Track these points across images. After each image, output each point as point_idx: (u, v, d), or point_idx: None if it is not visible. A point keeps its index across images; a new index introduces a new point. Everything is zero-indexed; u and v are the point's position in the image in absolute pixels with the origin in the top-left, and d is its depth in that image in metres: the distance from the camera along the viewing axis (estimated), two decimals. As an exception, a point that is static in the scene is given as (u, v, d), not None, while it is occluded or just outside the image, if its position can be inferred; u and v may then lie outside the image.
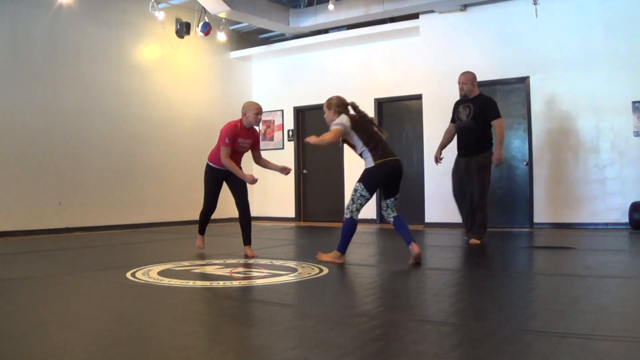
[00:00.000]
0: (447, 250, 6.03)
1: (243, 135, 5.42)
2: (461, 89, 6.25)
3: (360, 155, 4.89)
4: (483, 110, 6.06)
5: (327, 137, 4.79)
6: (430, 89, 8.95)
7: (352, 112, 5.00)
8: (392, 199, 4.96)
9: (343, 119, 4.85)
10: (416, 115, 9.45)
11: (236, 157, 5.46)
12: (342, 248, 4.88)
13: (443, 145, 6.51)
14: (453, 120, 6.40)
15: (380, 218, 9.79)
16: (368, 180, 4.79)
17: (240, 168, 5.49)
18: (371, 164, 4.78)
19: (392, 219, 4.96)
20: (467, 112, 6.14)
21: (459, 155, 6.31)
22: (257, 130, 5.60)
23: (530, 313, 3.00)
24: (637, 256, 5.28)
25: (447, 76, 8.78)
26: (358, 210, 4.84)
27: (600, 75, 7.71)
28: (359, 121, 4.90)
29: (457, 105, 6.38)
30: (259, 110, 5.43)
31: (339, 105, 4.98)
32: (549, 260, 5.01)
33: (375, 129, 4.97)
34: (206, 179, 5.60)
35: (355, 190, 4.82)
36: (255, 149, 5.58)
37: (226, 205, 11.04)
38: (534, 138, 8.16)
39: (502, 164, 8.46)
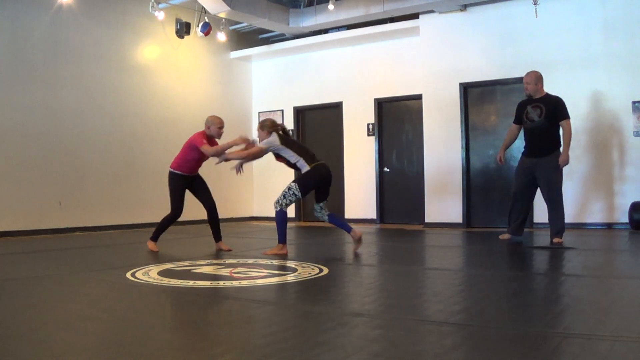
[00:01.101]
0: (447, 250, 6.03)
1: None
2: (526, 89, 6.13)
3: (295, 165, 5.54)
4: (555, 110, 5.96)
5: (251, 151, 5.53)
6: (430, 89, 8.96)
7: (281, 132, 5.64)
8: (324, 203, 5.65)
9: (272, 138, 5.52)
10: (416, 115, 9.45)
11: (197, 164, 5.90)
12: (283, 239, 5.48)
13: (507, 146, 6.45)
14: (518, 122, 6.27)
15: (380, 218, 9.80)
16: (304, 181, 5.46)
17: (198, 174, 5.99)
18: (307, 168, 5.45)
19: (327, 218, 5.64)
20: (539, 113, 6.00)
21: (525, 156, 6.19)
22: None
23: (531, 313, 2.99)
24: (637, 256, 5.28)
25: (447, 76, 8.80)
26: (287, 205, 5.47)
27: (600, 75, 7.71)
28: (287, 138, 5.62)
29: (523, 105, 6.20)
30: (222, 125, 5.94)
31: (271, 126, 5.65)
32: (549, 260, 5.01)
33: (300, 143, 5.73)
34: (173, 185, 5.87)
35: (289, 189, 5.45)
36: None
37: (225, 205, 11.03)
38: (534, 138, 8.16)
39: (504, 164, 8.51)
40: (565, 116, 5.96)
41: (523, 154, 6.24)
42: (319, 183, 5.54)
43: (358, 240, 5.58)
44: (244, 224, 10.15)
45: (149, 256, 5.49)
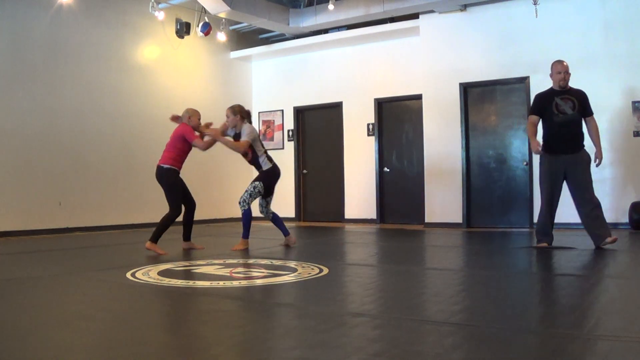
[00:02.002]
0: (447, 250, 6.03)
1: None
2: (562, 79, 5.55)
3: (255, 160, 5.79)
4: (584, 104, 5.57)
5: (240, 145, 5.59)
6: (430, 89, 8.96)
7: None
8: (270, 198, 6.01)
9: (254, 129, 5.70)
10: (416, 115, 9.45)
11: (184, 157, 5.89)
12: (247, 235, 5.78)
13: (535, 135, 5.64)
14: (539, 113, 5.63)
15: (380, 218, 9.80)
16: (267, 180, 5.78)
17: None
18: (268, 166, 5.78)
19: (271, 215, 6.01)
20: (572, 105, 5.50)
21: (554, 153, 5.55)
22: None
23: (530, 313, 3.00)
24: (637, 256, 5.28)
25: (447, 76, 8.80)
26: (250, 203, 5.76)
27: (600, 75, 7.70)
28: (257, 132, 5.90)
29: (549, 96, 5.61)
30: (200, 116, 6.04)
31: (244, 112, 5.75)
32: (549, 260, 5.01)
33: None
34: (173, 182, 5.78)
35: (254, 187, 5.76)
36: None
37: (225, 205, 11.00)
38: (534, 138, 8.15)
39: (503, 164, 8.53)
40: (592, 112, 5.65)
41: (547, 151, 5.59)
42: (276, 180, 5.93)
43: (292, 243, 6.06)
44: (244, 224, 10.13)
45: (149, 256, 5.49)
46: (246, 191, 5.77)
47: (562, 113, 5.54)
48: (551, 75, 5.67)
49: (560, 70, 5.58)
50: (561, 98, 5.57)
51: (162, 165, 5.79)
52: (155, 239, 5.74)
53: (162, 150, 5.88)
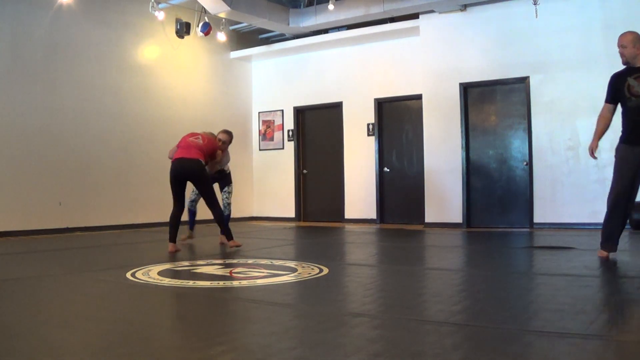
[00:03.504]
0: (447, 250, 6.04)
1: None
2: (621, 55, 4.66)
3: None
4: None
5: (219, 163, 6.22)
6: (430, 89, 8.96)
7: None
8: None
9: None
10: (416, 115, 9.45)
11: None
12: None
13: (601, 135, 4.83)
14: (613, 101, 4.74)
15: (380, 218, 9.80)
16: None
17: None
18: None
19: (196, 209, 6.66)
20: None
21: (630, 144, 4.66)
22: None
23: (531, 313, 3.00)
24: (637, 256, 5.28)
25: (447, 76, 8.81)
26: None
27: (600, 75, 7.64)
28: None
29: (620, 78, 4.69)
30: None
31: None
32: (549, 260, 5.01)
33: None
34: None
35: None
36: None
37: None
38: (534, 138, 8.16)
39: (503, 164, 8.53)
40: None
41: (624, 141, 4.72)
42: None
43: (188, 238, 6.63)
44: (244, 224, 10.14)
45: (149, 256, 5.49)
46: (230, 194, 6.52)
47: (635, 96, 4.61)
48: None
49: (622, 43, 4.65)
50: (634, 77, 4.61)
51: (201, 160, 5.72)
52: (174, 239, 5.72)
53: (162, 150, 5.88)
